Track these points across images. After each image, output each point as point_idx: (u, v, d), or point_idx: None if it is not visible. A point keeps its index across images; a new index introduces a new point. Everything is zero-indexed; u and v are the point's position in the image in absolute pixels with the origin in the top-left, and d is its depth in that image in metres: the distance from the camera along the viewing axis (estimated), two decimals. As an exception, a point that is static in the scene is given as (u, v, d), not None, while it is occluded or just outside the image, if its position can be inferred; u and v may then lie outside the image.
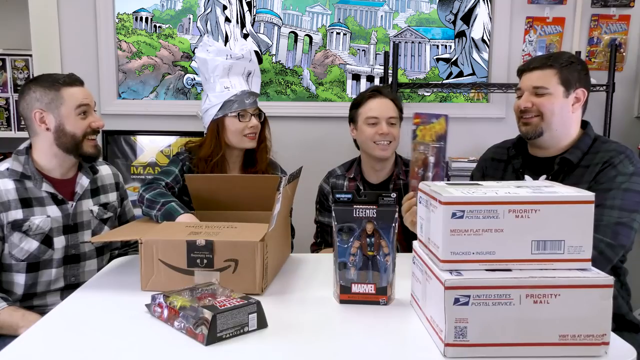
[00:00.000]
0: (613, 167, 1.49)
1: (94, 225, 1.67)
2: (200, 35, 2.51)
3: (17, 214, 1.52)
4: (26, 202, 1.54)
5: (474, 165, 1.96)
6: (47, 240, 1.55)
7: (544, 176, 1.59)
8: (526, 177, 1.64)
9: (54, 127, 1.56)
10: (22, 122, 2.45)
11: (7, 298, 1.50)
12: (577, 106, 1.58)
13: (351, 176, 1.96)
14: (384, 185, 1.93)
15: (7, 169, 1.55)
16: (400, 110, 1.92)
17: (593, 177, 1.51)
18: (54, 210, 1.57)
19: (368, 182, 1.95)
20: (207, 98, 1.81)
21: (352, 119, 1.95)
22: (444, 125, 1.40)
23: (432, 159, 1.43)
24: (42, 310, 1.50)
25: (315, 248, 2.02)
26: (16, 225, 1.52)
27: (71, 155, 1.60)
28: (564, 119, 1.57)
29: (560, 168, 1.57)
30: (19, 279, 1.54)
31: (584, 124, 1.63)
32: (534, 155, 1.65)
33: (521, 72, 1.64)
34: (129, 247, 1.82)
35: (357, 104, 1.93)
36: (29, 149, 1.61)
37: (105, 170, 1.77)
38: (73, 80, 1.60)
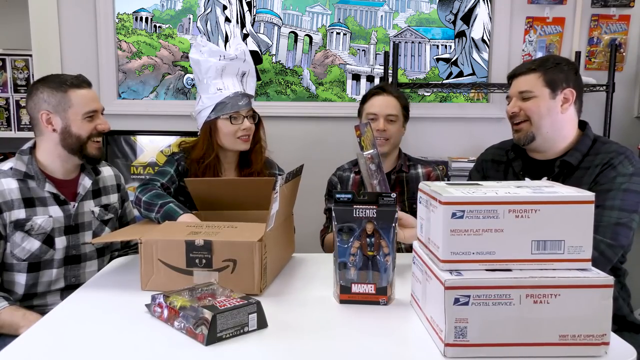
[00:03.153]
0: (613, 168, 1.49)
1: (95, 226, 1.67)
2: (202, 35, 2.51)
3: (19, 213, 1.52)
4: (29, 202, 1.54)
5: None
6: (48, 240, 1.56)
7: (545, 178, 1.59)
8: (527, 179, 1.64)
9: (60, 129, 1.57)
10: (22, 122, 2.47)
11: (8, 297, 1.50)
12: (567, 106, 1.56)
13: (357, 170, 1.99)
14: (387, 178, 1.96)
15: (11, 168, 1.56)
16: (404, 108, 1.96)
17: (593, 178, 1.51)
18: (56, 211, 1.57)
19: None
20: (200, 99, 1.80)
21: (359, 114, 2.02)
22: (371, 132, 1.46)
23: (372, 166, 1.46)
24: (42, 310, 1.50)
25: (325, 231, 2.05)
26: (19, 225, 1.52)
27: (75, 156, 1.60)
28: (554, 121, 1.56)
29: (560, 171, 1.57)
30: (20, 279, 1.54)
31: (583, 125, 1.62)
32: (534, 158, 1.65)
33: (510, 79, 1.66)
34: (129, 248, 1.82)
35: (363, 99, 2.00)
36: (32, 148, 1.61)
37: (107, 172, 1.77)
38: (81, 82, 1.60)
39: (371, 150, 1.45)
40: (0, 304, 1.46)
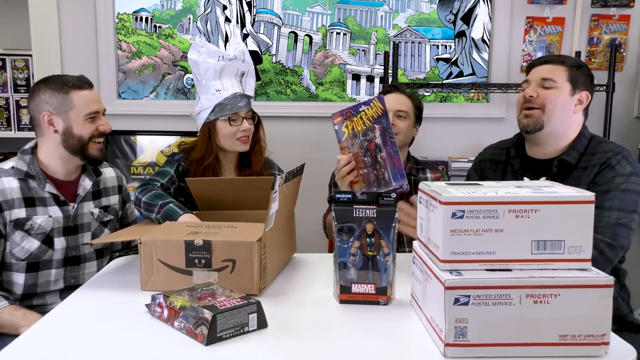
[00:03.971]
0: (611, 168, 1.49)
1: (94, 228, 1.67)
2: (201, 35, 2.51)
3: (20, 212, 1.52)
4: (29, 201, 1.54)
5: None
6: (47, 240, 1.56)
7: (544, 178, 1.59)
8: (525, 179, 1.64)
9: (62, 130, 1.57)
10: (23, 122, 2.47)
11: (8, 297, 1.50)
12: (579, 108, 1.59)
13: None
14: None
15: (12, 167, 1.56)
16: (417, 109, 1.95)
17: (591, 178, 1.51)
18: (55, 211, 1.57)
19: None
20: (199, 100, 1.79)
21: None
22: (379, 106, 1.42)
23: (378, 140, 1.43)
24: (42, 310, 1.50)
25: (327, 215, 2.03)
26: (18, 224, 1.52)
27: (76, 157, 1.60)
28: (565, 117, 1.57)
29: (558, 170, 1.57)
30: (19, 279, 1.54)
31: None
32: (532, 157, 1.65)
33: (531, 66, 1.66)
34: (129, 249, 1.82)
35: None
36: (34, 148, 1.61)
37: (109, 173, 1.77)
38: (82, 83, 1.60)
39: (379, 124, 1.41)
40: (0, 304, 1.46)
